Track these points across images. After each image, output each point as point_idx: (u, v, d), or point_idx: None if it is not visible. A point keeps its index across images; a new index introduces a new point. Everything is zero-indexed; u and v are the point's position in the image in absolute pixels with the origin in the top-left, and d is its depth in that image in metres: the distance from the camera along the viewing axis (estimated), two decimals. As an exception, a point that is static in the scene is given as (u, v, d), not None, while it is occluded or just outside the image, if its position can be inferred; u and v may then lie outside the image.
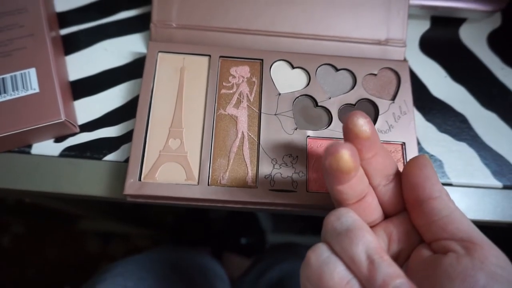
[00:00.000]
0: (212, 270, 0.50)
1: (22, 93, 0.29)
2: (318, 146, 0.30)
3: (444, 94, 0.35)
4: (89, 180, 0.30)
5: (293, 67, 0.32)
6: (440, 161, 0.33)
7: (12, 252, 0.99)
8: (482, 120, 0.34)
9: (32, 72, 0.29)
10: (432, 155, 0.33)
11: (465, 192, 0.32)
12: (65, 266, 0.98)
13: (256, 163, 0.29)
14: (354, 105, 0.32)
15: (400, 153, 0.30)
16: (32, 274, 0.97)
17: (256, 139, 0.30)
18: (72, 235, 1.01)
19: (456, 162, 0.33)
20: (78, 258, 1.00)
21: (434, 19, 0.38)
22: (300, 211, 0.30)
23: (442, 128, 0.34)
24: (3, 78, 0.29)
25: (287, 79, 0.32)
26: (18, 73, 0.29)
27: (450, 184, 0.32)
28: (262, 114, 0.31)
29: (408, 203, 0.22)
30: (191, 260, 0.47)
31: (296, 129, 0.30)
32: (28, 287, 0.96)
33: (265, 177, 0.28)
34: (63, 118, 0.28)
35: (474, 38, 0.37)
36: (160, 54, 0.32)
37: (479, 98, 0.35)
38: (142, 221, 0.94)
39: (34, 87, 0.29)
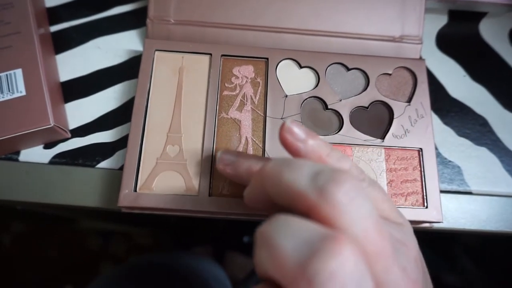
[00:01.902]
0: (211, 274, 0.48)
1: (7, 97, 0.27)
2: (328, 152, 0.28)
3: (463, 95, 0.33)
4: (81, 189, 0.28)
5: (300, 67, 0.30)
6: (459, 167, 0.30)
7: (13, 251, 0.97)
8: (504, 123, 0.32)
9: (18, 73, 0.27)
10: (450, 161, 0.30)
11: (486, 201, 0.30)
12: (66, 265, 0.97)
13: (261, 171, 0.27)
14: (367, 108, 0.29)
15: (417, 160, 0.28)
16: (33, 274, 0.96)
17: (261, 145, 0.28)
18: (72, 234, 1.00)
19: (476, 168, 0.30)
20: (79, 257, 0.99)
21: (452, 13, 0.35)
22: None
23: (461, 132, 0.31)
24: (-13, 80, 0.27)
25: (294, 80, 0.30)
26: (3, 74, 0.27)
27: (469, 193, 0.30)
28: (267, 117, 0.28)
29: None
30: (188, 265, 0.46)
31: (304, 134, 0.28)
32: (28, 287, 0.95)
33: (271, 187, 0.26)
34: (52, 123, 0.26)
35: (495, 34, 0.35)
36: (157, 52, 0.30)
37: (501, 99, 0.32)
38: (143, 219, 0.93)
39: (20, 89, 0.27)
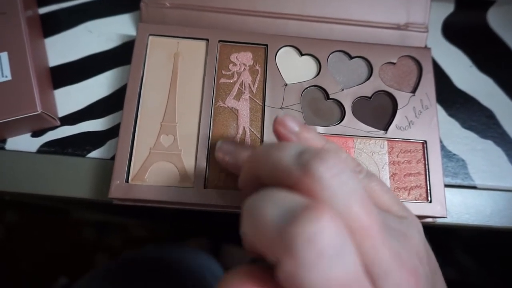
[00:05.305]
0: (206, 268, 0.47)
1: (-9, 81, 0.25)
2: (329, 144, 0.27)
3: (469, 86, 0.32)
4: (71, 180, 0.27)
5: (301, 54, 0.29)
6: (463, 160, 0.29)
7: (6, 242, 0.96)
8: (511, 115, 0.31)
9: (3, 57, 0.26)
10: (454, 154, 0.29)
11: (491, 196, 0.29)
12: (60, 256, 0.96)
13: (259, 162, 0.26)
14: (370, 98, 0.28)
15: (421, 153, 0.27)
16: (26, 265, 0.95)
17: (259, 136, 0.27)
18: (67, 225, 0.99)
19: (481, 162, 0.29)
20: (74, 249, 0.98)
21: (460, 1, 0.34)
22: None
23: (466, 124, 0.30)
24: (-30, 64, 0.25)
25: (294, 68, 0.29)
26: (-13, 57, 0.26)
27: (474, 187, 0.29)
28: (266, 107, 0.27)
29: None
30: (184, 260, 0.45)
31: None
32: (22, 279, 0.94)
33: (269, 180, 0.25)
34: (39, 110, 0.25)
35: (503, 23, 0.33)
36: (151, 37, 0.28)
37: (508, 91, 0.32)
38: (139, 211, 0.92)
39: (6, 74, 0.26)
